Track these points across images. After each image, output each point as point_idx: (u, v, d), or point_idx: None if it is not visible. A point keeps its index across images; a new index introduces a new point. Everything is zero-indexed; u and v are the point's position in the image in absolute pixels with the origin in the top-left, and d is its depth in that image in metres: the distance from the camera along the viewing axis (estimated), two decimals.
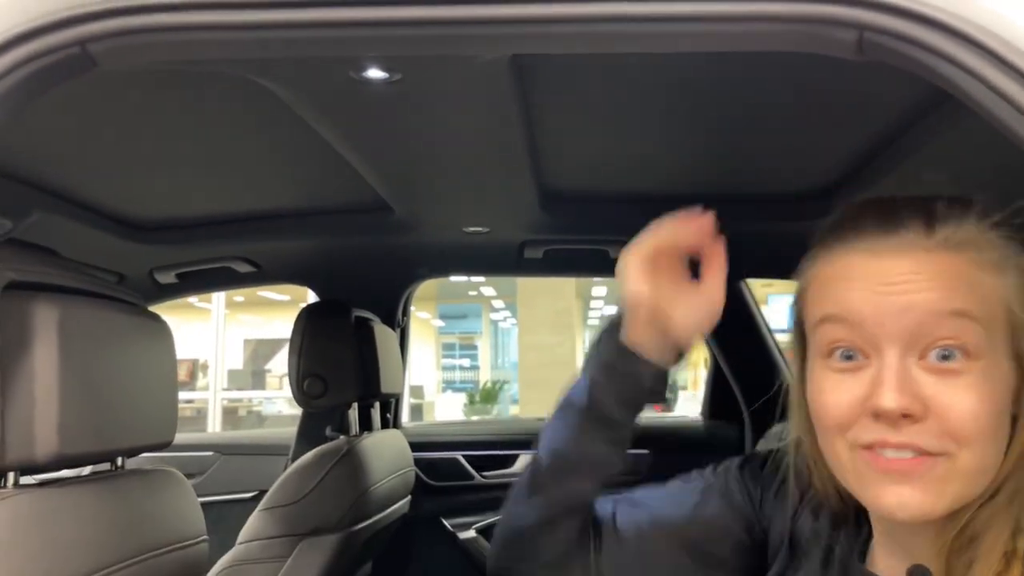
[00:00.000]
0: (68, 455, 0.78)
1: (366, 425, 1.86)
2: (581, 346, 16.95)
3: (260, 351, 16.09)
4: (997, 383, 0.58)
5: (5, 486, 0.77)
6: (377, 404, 1.95)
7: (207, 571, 1.08)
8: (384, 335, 1.81)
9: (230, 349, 12.65)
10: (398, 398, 2.17)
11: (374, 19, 0.64)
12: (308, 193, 1.66)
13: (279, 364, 14.91)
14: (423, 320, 15.91)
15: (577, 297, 11.96)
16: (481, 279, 14.21)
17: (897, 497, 0.58)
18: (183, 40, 0.66)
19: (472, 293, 16.27)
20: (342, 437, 1.74)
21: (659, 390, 0.76)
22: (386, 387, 1.76)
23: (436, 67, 0.94)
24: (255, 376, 12.99)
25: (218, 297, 8.94)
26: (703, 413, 2.38)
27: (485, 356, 19.80)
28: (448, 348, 20.70)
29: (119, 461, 0.94)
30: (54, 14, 0.64)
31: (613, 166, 1.52)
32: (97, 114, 1.18)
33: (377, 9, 0.64)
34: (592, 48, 0.73)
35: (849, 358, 0.60)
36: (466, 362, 20.34)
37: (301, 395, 1.63)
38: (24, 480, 0.78)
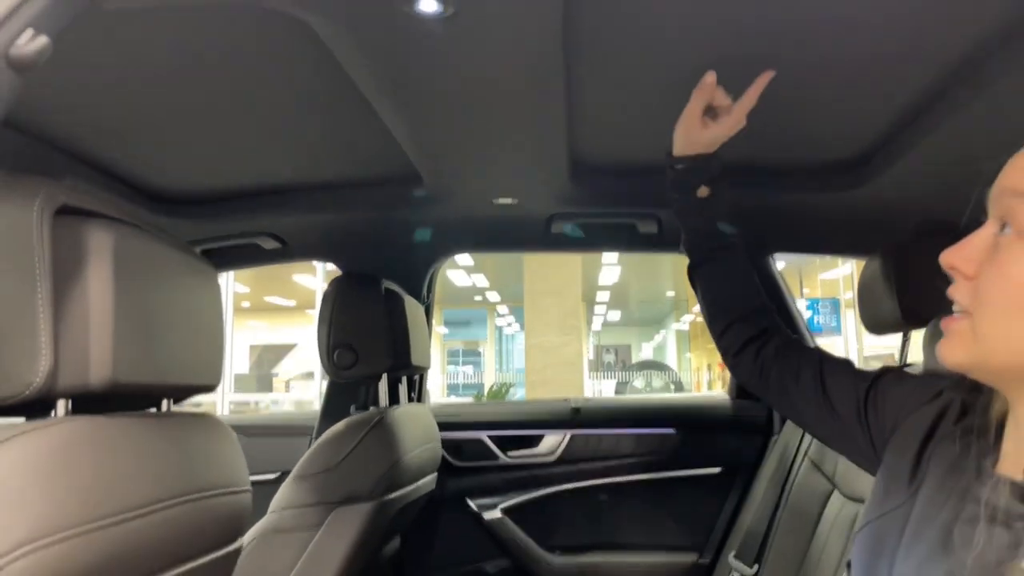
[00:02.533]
0: (122, 383, 0.76)
1: (394, 399, 1.84)
2: (586, 348, 16.99)
3: (265, 357, 16.12)
4: None
5: (56, 415, 0.75)
6: (404, 379, 1.93)
7: (249, 524, 1.06)
8: (413, 307, 1.79)
9: (236, 355, 12.65)
10: (423, 374, 2.15)
11: None
12: (338, 163, 1.64)
13: (285, 368, 14.91)
14: None
15: (582, 300, 11.95)
16: (486, 283, 14.24)
17: (940, 347, 0.68)
18: None
19: (477, 298, 16.27)
20: (372, 408, 1.72)
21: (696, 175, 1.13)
22: (416, 359, 1.74)
23: (491, 2, 0.92)
24: (260, 380, 12.98)
25: (226, 303, 8.93)
26: (730, 392, 2.35)
27: (490, 361, 19.79)
28: (452, 355, 20.71)
29: (164, 406, 0.92)
30: None
31: (643, 135, 1.50)
32: (127, 70, 1.16)
33: None
34: None
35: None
36: (470, 369, 20.33)
37: (331, 366, 1.61)
38: None
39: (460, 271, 12.32)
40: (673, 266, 11.50)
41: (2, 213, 0.70)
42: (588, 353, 17.77)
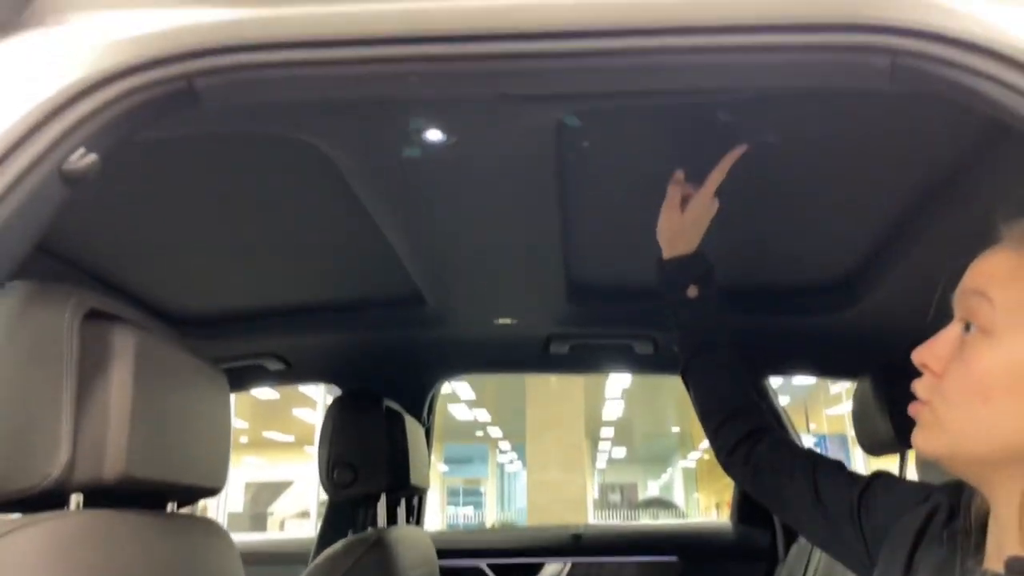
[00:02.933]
0: (134, 478, 0.79)
1: (392, 520, 1.82)
2: (591, 485, 16.53)
3: (261, 495, 15.71)
4: (1006, 356, 0.65)
5: (69, 509, 0.77)
6: (403, 500, 1.92)
7: None
8: (414, 427, 1.81)
9: (231, 492, 12.35)
10: (422, 495, 2.13)
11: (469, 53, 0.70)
12: (345, 286, 1.71)
13: (280, 507, 14.50)
14: None
15: (585, 436, 11.79)
16: (487, 418, 14.10)
17: (913, 437, 0.72)
18: (287, 77, 0.72)
19: (479, 433, 16.05)
20: (370, 528, 1.70)
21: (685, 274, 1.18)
22: (415, 479, 1.75)
23: (489, 130, 1.02)
24: (254, 519, 12.61)
25: None
26: (732, 518, 2.31)
27: (491, 498, 19.23)
28: (452, 494, 20.15)
29: (169, 508, 0.94)
30: (166, 49, 0.71)
31: (637, 259, 1.58)
32: (140, 197, 1.23)
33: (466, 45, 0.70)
34: (630, 85, 0.79)
35: None
36: (470, 510, 19.73)
37: (330, 484, 1.61)
38: None
39: (461, 405, 12.22)
40: (677, 400, 11.43)
41: (37, 314, 0.76)
42: (593, 491, 17.31)
